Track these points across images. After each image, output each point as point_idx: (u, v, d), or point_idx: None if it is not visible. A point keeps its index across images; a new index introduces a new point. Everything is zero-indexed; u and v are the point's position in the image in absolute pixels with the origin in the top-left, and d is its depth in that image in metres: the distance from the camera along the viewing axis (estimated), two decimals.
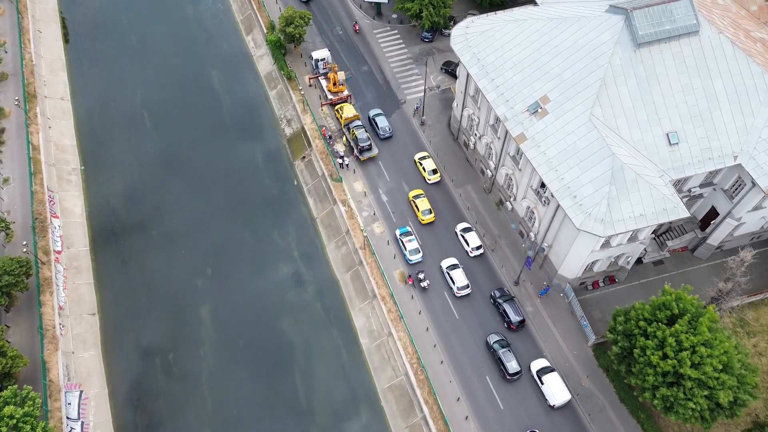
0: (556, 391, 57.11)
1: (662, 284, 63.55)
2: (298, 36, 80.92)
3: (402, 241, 67.19)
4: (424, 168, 73.70)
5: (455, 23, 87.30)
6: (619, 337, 52.14)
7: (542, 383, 58.09)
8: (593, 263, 60.19)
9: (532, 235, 64.18)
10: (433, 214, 69.95)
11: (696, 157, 55.18)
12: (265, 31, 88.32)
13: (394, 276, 66.17)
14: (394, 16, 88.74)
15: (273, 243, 72.94)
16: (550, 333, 61.81)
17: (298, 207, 75.88)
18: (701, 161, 55.21)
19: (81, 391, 60.23)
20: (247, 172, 78.78)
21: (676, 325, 47.85)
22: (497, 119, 62.74)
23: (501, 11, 67.63)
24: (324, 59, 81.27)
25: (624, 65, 55.54)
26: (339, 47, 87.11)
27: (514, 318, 61.71)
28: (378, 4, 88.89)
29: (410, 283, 65.53)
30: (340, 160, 74.57)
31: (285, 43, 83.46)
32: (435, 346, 61.18)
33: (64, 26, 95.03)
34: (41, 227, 68.52)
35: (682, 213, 52.57)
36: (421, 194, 71.36)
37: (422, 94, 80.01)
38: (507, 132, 60.47)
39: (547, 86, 57.99)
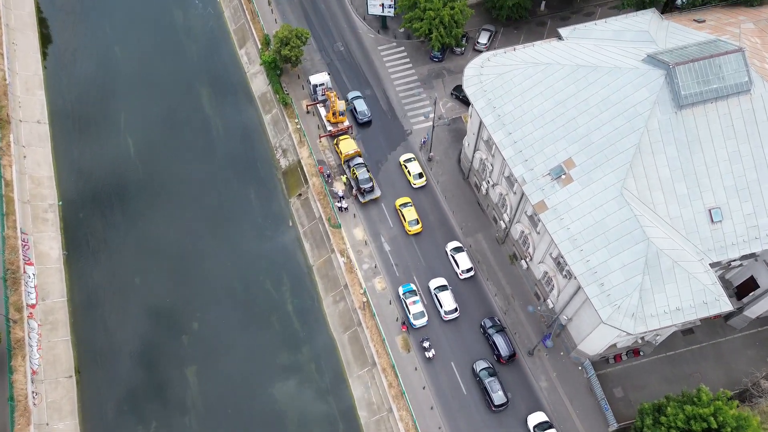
0: None
1: (691, 357, 58.90)
2: (294, 58, 73.31)
3: (405, 303, 61.23)
4: (409, 171, 69.30)
5: (468, 40, 79.47)
6: None
7: None
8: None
9: (549, 302, 58.05)
10: (420, 225, 66.07)
11: (741, 237, 48.55)
12: (260, 46, 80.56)
13: (396, 343, 60.45)
14: (401, 30, 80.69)
15: (266, 293, 67.16)
16: (566, 412, 56.32)
17: (293, 252, 69.75)
18: (746, 241, 48.60)
19: None
20: (238, 209, 72.39)
21: None
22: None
23: (521, 46, 59.98)
24: (323, 84, 73.87)
25: (663, 129, 48.40)
26: (340, 66, 79.37)
27: (505, 351, 57.92)
28: (383, 17, 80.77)
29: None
30: (339, 204, 68.05)
31: (281, 65, 75.89)
32: (440, 428, 55.85)
33: (43, 26, 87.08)
34: (13, 279, 62.76)
35: (725, 307, 46.26)
36: (408, 202, 67.30)
37: (430, 123, 72.81)
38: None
39: (573, 147, 50.97)
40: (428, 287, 62.59)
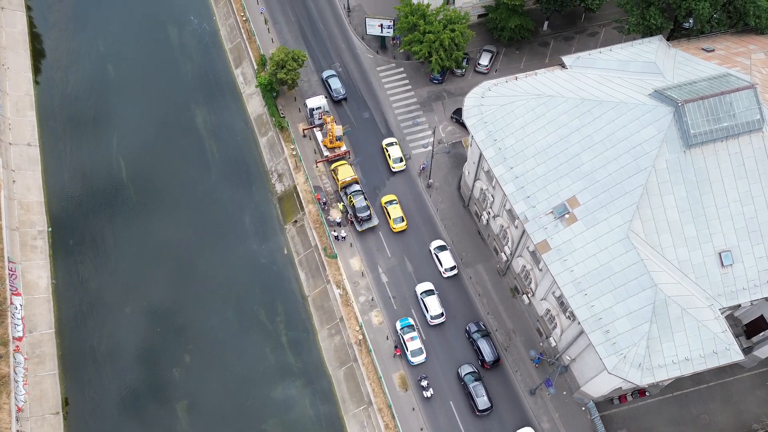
0: None
1: (698, 397, 57.00)
2: (290, 81, 71.45)
3: (403, 338, 59.37)
4: (389, 155, 70.10)
5: (469, 61, 77.57)
6: None
7: None
8: None
9: (552, 341, 56.08)
10: (405, 222, 66.39)
11: (752, 281, 46.58)
12: (256, 67, 78.68)
13: (394, 381, 58.55)
14: (401, 51, 78.76)
15: (260, 324, 65.28)
16: None
17: (288, 281, 67.84)
18: (758, 286, 46.63)
19: None
20: (233, 235, 70.49)
21: None
22: None
23: (523, 75, 58.03)
24: (320, 108, 72.00)
25: (671, 169, 46.46)
26: None
27: (489, 357, 57.64)
28: (382, 37, 78.88)
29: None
30: (335, 233, 66.17)
31: (277, 87, 74.02)
32: None
33: (35, 42, 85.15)
34: None
35: (736, 356, 44.28)
36: (394, 200, 67.86)
37: (430, 148, 70.88)
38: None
39: (577, 185, 49.02)
40: (414, 292, 62.21)
